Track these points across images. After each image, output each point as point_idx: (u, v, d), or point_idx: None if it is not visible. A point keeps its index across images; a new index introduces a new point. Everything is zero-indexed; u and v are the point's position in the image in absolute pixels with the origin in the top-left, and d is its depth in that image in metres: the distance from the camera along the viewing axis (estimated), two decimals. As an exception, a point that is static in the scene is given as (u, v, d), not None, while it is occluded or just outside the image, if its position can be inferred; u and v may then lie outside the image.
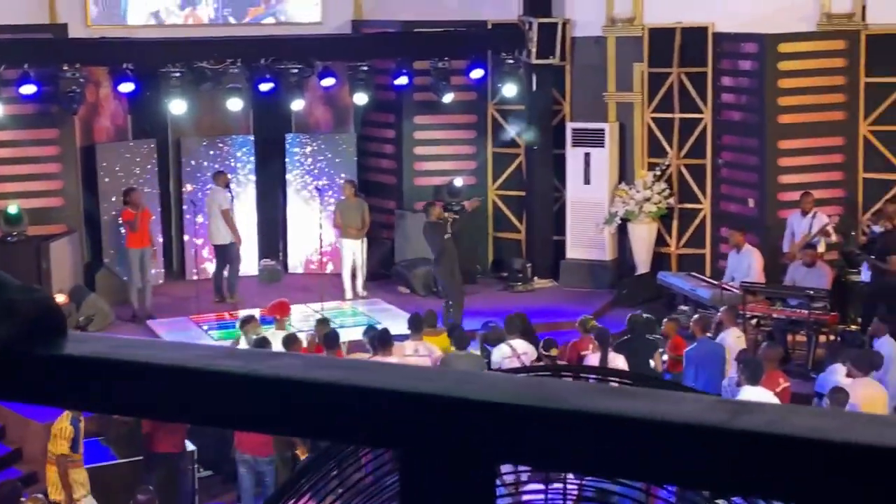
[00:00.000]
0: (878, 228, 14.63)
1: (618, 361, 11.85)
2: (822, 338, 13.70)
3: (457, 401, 1.08)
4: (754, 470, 0.93)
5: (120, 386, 1.25)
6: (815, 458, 0.92)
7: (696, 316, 12.90)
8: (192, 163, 17.82)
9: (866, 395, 10.57)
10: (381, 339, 11.86)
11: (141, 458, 11.22)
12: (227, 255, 16.61)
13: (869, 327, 12.86)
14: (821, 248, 14.89)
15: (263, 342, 12.09)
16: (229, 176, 17.15)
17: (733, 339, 12.29)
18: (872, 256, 14.10)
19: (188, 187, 17.72)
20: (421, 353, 11.97)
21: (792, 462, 0.92)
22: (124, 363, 1.24)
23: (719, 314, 12.85)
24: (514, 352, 11.91)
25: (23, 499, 10.09)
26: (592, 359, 11.90)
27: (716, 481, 0.95)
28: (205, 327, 15.49)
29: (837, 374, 11.17)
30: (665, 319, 13.13)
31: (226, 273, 16.63)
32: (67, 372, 1.26)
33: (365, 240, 16.84)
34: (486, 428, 1.07)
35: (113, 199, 16.60)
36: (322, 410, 1.14)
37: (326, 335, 12.37)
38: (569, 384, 1.07)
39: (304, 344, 12.61)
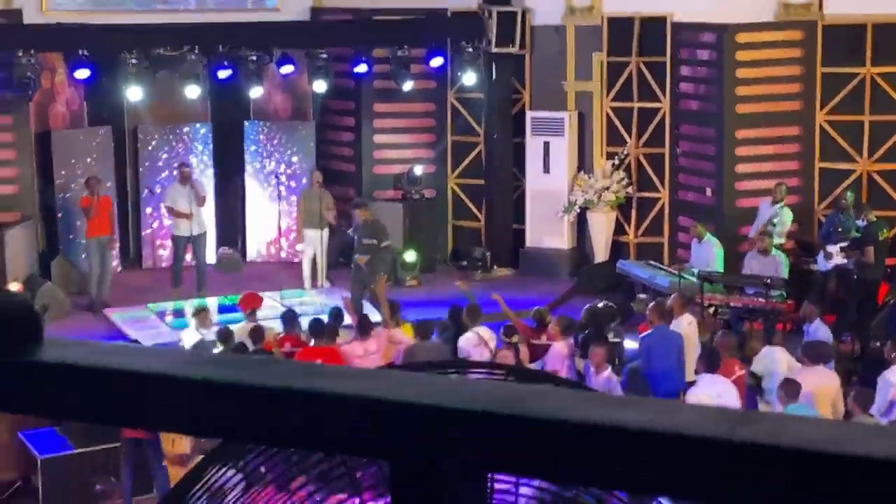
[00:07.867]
0: (860, 222, 14.61)
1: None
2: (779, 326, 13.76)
3: (445, 411, 1.06)
4: (755, 481, 0.92)
5: (97, 394, 1.22)
6: (813, 470, 0.91)
7: (652, 303, 12.86)
8: (150, 150, 17.66)
9: (813, 382, 10.57)
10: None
11: (102, 447, 11.09)
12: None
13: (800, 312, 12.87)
14: (778, 240, 14.96)
15: (227, 333, 12.01)
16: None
17: (685, 326, 12.28)
18: (856, 249, 14.22)
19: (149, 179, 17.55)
20: (397, 340, 12.00)
21: (793, 473, 0.91)
22: (101, 370, 1.20)
23: (670, 301, 12.82)
24: (480, 339, 11.87)
25: None
26: (558, 346, 11.86)
27: (717, 494, 0.93)
28: (167, 318, 15.34)
29: (777, 359, 11.19)
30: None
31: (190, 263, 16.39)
32: (41, 379, 1.22)
33: (327, 231, 16.76)
34: (476, 438, 1.05)
35: (72, 186, 16.40)
36: (307, 420, 1.11)
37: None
38: (566, 394, 1.05)
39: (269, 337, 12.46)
